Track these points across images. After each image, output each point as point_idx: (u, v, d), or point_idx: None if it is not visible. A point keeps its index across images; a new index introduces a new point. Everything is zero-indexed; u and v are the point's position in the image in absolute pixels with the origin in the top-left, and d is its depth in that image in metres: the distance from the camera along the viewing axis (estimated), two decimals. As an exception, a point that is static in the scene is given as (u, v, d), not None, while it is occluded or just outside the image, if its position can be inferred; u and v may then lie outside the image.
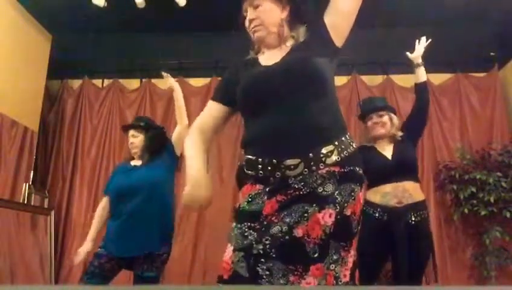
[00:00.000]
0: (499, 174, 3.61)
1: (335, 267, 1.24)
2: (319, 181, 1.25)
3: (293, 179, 1.26)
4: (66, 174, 4.19)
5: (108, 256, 2.33)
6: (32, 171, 3.89)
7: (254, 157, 1.31)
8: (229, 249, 1.28)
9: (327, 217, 1.24)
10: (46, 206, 4.00)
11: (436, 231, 3.80)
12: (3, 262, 3.27)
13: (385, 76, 4.28)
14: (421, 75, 2.49)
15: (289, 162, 1.26)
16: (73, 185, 4.16)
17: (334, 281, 1.24)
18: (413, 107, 2.51)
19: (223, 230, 1.52)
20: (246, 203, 1.30)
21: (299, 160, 1.25)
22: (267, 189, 1.28)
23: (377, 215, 2.27)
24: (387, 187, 2.28)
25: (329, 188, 1.25)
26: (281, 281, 1.21)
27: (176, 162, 2.56)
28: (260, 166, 1.29)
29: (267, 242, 1.24)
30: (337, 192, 1.26)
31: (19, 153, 3.76)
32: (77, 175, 4.17)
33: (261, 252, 1.23)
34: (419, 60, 2.51)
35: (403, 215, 2.23)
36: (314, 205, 1.24)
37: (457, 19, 3.93)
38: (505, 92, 4.17)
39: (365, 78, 4.29)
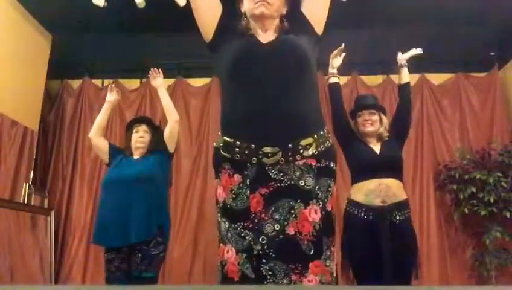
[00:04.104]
0: (499, 174, 3.60)
1: (329, 263, 1.27)
2: (298, 173, 1.27)
3: (270, 167, 1.27)
4: (66, 174, 4.18)
5: (118, 257, 2.34)
6: (32, 171, 3.88)
7: (232, 140, 1.31)
8: (232, 250, 1.29)
9: (313, 213, 1.26)
10: (46, 206, 4.00)
11: (436, 231, 3.81)
12: (3, 262, 3.26)
13: (385, 76, 4.28)
14: (404, 76, 2.63)
15: (267, 149, 1.26)
16: (73, 185, 4.15)
17: (331, 278, 1.26)
18: (397, 109, 2.63)
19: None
20: (231, 199, 1.31)
21: (278, 149, 1.26)
22: (248, 181, 1.28)
23: (362, 215, 2.26)
24: (371, 184, 2.29)
25: (310, 182, 1.27)
26: (284, 281, 1.22)
27: (169, 160, 2.63)
28: (237, 149, 1.29)
29: (264, 242, 1.25)
30: (317, 187, 1.28)
31: (19, 153, 3.75)
32: (77, 175, 4.17)
33: (261, 252, 1.24)
34: (404, 62, 2.63)
35: (388, 214, 2.24)
36: (299, 200, 1.26)
37: (458, 19, 3.92)
38: (505, 92, 4.17)
39: (365, 78, 4.29)
